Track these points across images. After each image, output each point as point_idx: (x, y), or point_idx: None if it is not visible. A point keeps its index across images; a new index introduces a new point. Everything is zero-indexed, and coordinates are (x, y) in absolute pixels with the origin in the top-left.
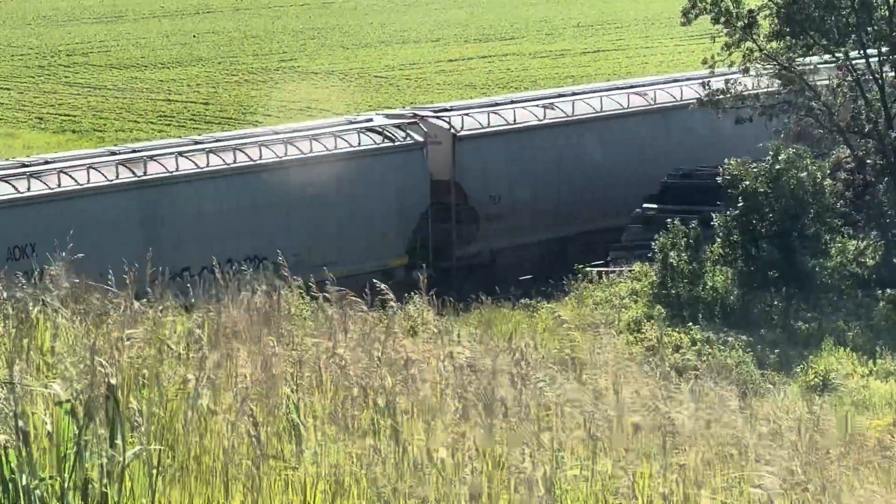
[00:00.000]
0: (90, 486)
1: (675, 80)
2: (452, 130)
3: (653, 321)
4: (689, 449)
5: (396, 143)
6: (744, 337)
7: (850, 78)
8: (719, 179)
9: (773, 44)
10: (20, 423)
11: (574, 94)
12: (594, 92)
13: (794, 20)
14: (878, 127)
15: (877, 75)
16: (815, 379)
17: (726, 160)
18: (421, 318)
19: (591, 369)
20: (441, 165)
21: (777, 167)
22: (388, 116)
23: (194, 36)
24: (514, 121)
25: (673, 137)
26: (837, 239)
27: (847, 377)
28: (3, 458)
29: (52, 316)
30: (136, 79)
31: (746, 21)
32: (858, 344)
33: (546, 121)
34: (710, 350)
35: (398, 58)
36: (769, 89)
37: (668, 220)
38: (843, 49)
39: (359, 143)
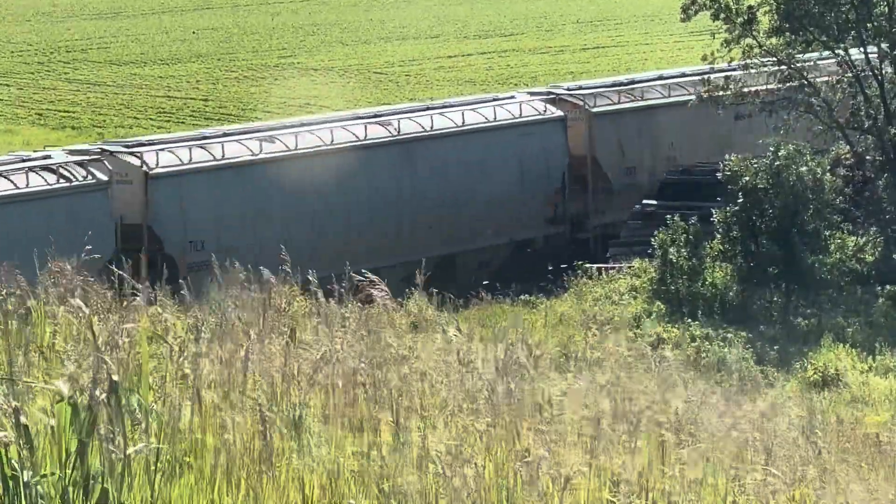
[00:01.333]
0: (92, 482)
1: (428, 109)
2: (145, 168)
3: (652, 317)
4: (691, 445)
5: (74, 184)
6: (743, 333)
7: (849, 74)
8: (719, 175)
9: (773, 40)
10: (22, 419)
11: (302, 124)
12: (329, 122)
13: (793, 16)
14: (878, 123)
15: (876, 71)
16: (815, 375)
17: (728, 156)
18: (422, 314)
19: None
20: (132, 208)
21: (777, 163)
22: (70, 153)
23: (193, 32)
24: (223, 156)
25: (419, 171)
26: (837, 235)
27: (845, 373)
28: (5, 455)
29: (52, 311)
30: (135, 75)
31: (746, 17)
32: (858, 340)
33: (262, 156)
34: (709, 346)
35: (398, 54)
36: (769, 85)
37: (668, 216)
38: (842, 45)
39: (27, 185)
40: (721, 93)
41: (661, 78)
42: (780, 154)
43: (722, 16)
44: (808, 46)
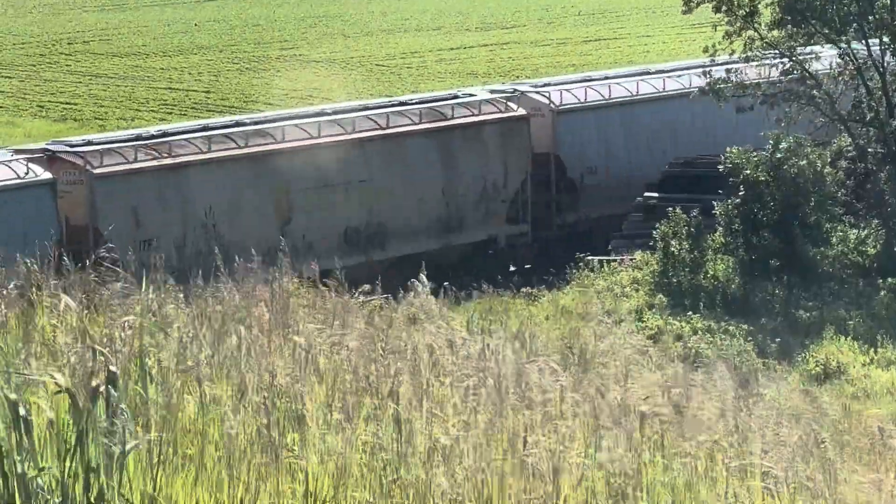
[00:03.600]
0: (91, 475)
1: None
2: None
3: (654, 310)
4: (692, 438)
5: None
6: (745, 325)
7: (851, 66)
8: (720, 168)
9: (775, 32)
10: (21, 411)
11: None
12: None
13: (795, 9)
14: (880, 116)
15: (878, 64)
16: (817, 368)
17: (728, 149)
18: (423, 307)
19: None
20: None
21: (777, 156)
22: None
23: (196, 24)
24: None
25: None
26: (838, 228)
27: (847, 366)
28: (5, 448)
29: (53, 303)
30: (137, 67)
31: (748, 9)
32: (859, 333)
33: None
34: (711, 339)
35: (399, 46)
36: (771, 78)
37: (670, 208)
38: (844, 38)
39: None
40: (722, 85)
41: (205, 129)
42: (780, 147)
43: (724, 8)
44: (809, 39)
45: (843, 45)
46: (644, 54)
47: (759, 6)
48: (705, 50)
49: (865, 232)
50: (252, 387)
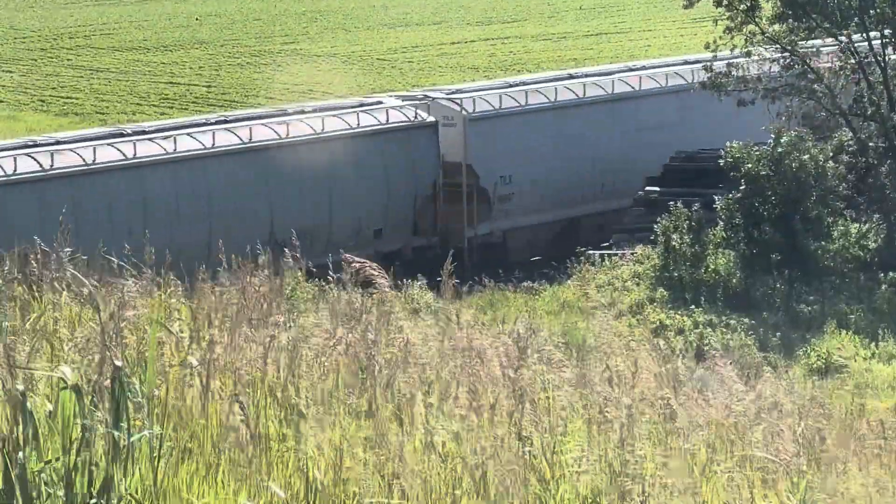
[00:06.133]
0: (94, 468)
1: None
2: None
3: (655, 304)
4: (692, 432)
5: None
6: (746, 320)
7: (852, 60)
8: (721, 162)
9: (776, 27)
10: (27, 405)
11: None
12: None
13: (796, 3)
14: (881, 110)
15: (879, 58)
16: (818, 362)
17: (728, 143)
18: (423, 301)
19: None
20: None
21: (779, 150)
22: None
23: (197, 18)
24: None
25: None
26: (840, 222)
27: (849, 360)
28: (10, 441)
29: (56, 297)
30: (138, 61)
31: (749, 4)
32: (861, 327)
33: None
34: (711, 333)
35: (400, 40)
36: (773, 72)
37: (671, 202)
38: (845, 32)
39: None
40: (724, 80)
41: None
42: (781, 141)
43: (724, 2)
44: (810, 33)
45: (844, 39)
46: (645, 49)
47: (760, 0)
48: (706, 45)
49: (866, 226)
50: (251, 381)
